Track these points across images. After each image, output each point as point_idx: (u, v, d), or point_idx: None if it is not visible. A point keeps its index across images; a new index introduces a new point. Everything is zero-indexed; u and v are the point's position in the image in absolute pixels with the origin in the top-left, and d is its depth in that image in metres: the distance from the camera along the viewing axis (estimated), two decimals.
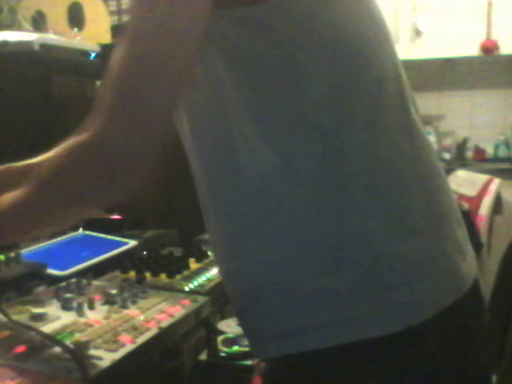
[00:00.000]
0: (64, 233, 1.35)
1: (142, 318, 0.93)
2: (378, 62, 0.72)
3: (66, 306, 0.94)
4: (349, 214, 0.68)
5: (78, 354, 0.76)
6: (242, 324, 0.83)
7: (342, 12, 0.69)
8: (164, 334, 0.91)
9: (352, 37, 0.70)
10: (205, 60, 0.68)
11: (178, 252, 1.37)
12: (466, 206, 2.39)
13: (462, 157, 4.29)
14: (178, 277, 1.19)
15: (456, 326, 0.72)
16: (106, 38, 1.97)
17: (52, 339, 0.80)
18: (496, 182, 2.41)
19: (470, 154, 4.37)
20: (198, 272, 1.24)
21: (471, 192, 2.47)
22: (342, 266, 0.68)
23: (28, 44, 1.60)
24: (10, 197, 0.72)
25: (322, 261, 0.69)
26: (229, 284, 0.81)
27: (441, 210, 0.76)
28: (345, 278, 0.68)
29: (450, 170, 2.72)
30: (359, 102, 0.69)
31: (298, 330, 0.70)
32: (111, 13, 3.16)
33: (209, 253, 1.35)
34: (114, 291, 1.00)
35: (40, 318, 0.88)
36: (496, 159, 4.27)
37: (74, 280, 1.05)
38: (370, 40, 0.72)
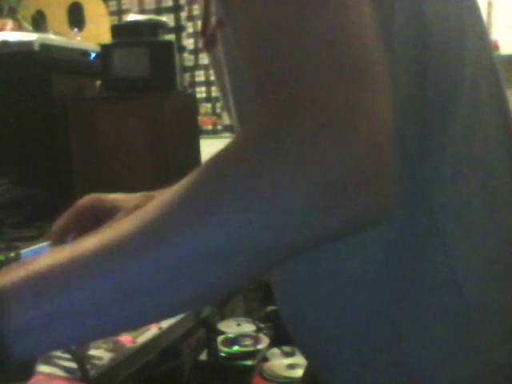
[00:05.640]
0: None
1: None
2: (474, 57, 0.56)
3: None
4: (436, 256, 0.53)
5: (78, 354, 0.76)
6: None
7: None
8: (164, 334, 0.91)
9: (442, 27, 0.54)
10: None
11: None
12: None
13: None
14: None
15: None
16: (106, 38, 1.97)
17: None
18: None
19: None
20: None
21: None
22: (426, 323, 0.54)
23: (28, 44, 1.60)
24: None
25: (399, 316, 0.54)
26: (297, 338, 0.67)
27: None
28: (428, 338, 0.54)
29: None
30: (451, 106, 0.54)
31: None
32: (111, 13, 3.16)
33: None
34: None
35: None
36: None
37: None
38: (466, 30, 0.56)
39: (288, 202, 0.35)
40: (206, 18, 0.63)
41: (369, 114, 0.37)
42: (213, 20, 0.58)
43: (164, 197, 0.38)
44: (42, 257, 0.41)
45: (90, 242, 0.39)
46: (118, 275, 0.37)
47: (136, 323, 0.43)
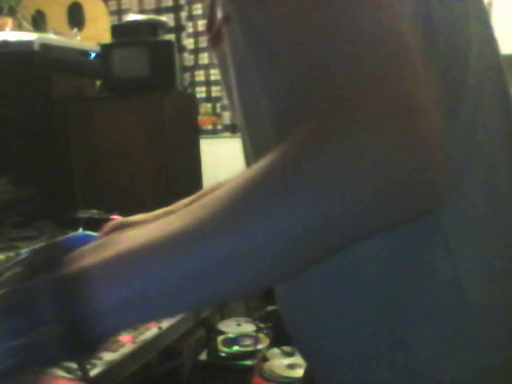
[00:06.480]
0: (64, 233, 1.35)
1: None
2: (479, 57, 0.57)
3: None
4: (439, 255, 0.53)
5: None
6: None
7: None
8: (164, 334, 0.91)
9: (448, 26, 0.54)
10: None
11: None
12: None
13: None
14: None
15: None
16: (106, 38, 1.97)
17: None
18: None
19: None
20: None
21: None
22: (428, 321, 0.54)
23: (28, 44, 1.60)
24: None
25: (401, 314, 0.55)
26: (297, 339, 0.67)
27: None
28: (429, 337, 0.54)
29: None
30: (455, 104, 0.54)
31: None
32: (111, 13, 3.16)
33: None
34: None
35: None
36: None
37: None
38: (471, 27, 0.56)
39: (353, 195, 0.38)
40: (211, 13, 0.63)
41: (422, 111, 0.39)
42: (219, 16, 0.58)
43: (232, 188, 0.40)
44: (116, 239, 0.43)
45: (167, 226, 0.41)
46: (199, 256, 0.39)
47: (208, 303, 0.50)
